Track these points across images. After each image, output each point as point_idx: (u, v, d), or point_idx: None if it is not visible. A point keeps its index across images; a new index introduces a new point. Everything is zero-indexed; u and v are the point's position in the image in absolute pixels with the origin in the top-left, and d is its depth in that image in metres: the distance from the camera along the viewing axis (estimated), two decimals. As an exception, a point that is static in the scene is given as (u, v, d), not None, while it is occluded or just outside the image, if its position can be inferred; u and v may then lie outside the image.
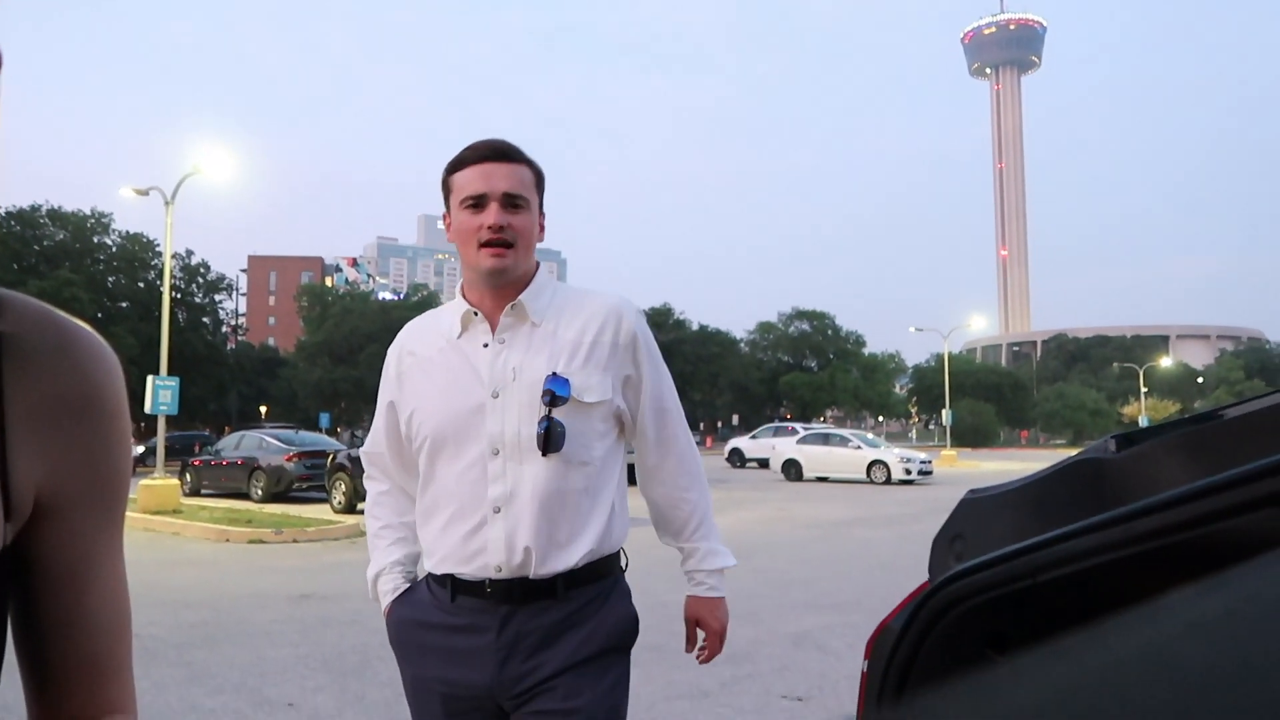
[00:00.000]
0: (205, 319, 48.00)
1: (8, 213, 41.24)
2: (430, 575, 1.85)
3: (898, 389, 76.73)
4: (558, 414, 1.74)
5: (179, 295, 44.27)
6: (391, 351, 1.97)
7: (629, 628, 1.83)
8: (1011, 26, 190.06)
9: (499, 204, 1.77)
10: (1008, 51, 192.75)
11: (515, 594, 1.75)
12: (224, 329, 51.76)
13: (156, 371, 17.20)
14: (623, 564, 1.87)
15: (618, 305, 1.89)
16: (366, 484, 2.04)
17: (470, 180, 1.79)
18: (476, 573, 1.76)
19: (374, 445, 2.01)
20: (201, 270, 48.09)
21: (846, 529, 13.17)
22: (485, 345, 1.82)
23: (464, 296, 1.89)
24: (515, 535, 1.74)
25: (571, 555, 1.76)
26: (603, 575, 1.80)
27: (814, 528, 13.42)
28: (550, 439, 1.74)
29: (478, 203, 1.78)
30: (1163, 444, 0.91)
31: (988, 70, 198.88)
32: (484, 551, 1.75)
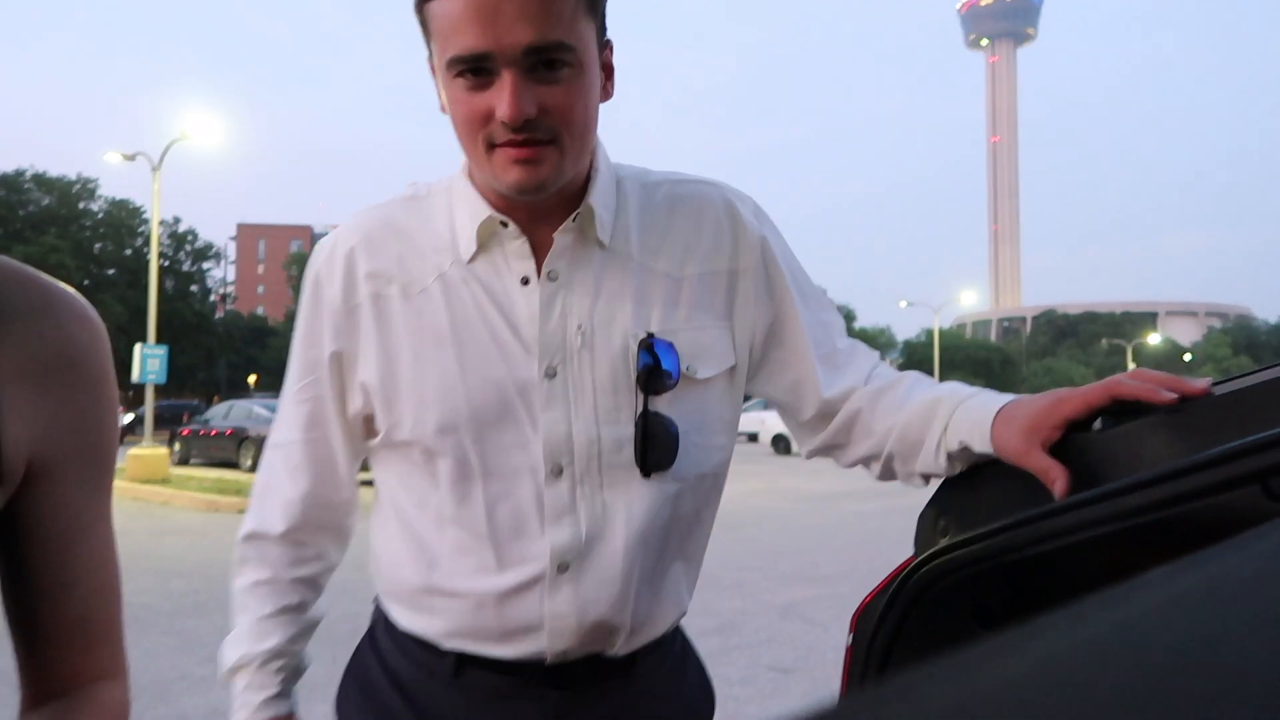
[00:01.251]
0: (193, 287, 47.79)
1: (-8, 177, 40.81)
2: (397, 629, 1.16)
3: (888, 363, 77.00)
4: (660, 404, 1.08)
5: (167, 263, 44.05)
6: (331, 271, 1.12)
7: (708, 705, 1.25)
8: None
9: (517, 71, 0.96)
10: (1004, 23, 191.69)
11: (581, 677, 1.11)
12: (212, 297, 51.53)
13: (144, 340, 17.15)
14: None
15: (726, 201, 1.17)
16: (240, 542, 1.20)
17: (457, 24, 0.96)
18: (517, 654, 1.09)
19: (281, 461, 1.18)
20: (189, 238, 47.79)
21: (835, 502, 13.26)
22: (525, 281, 1.08)
23: (476, 186, 1.11)
24: (594, 606, 1.08)
25: (670, 613, 1.15)
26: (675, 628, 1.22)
27: (803, 500, 13.51)
28: (654, 449, 1.08)
29: (477, 68, 0.97)
30: (1149, 421, 0.92)
31: (984, 42, 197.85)
32: (536, 631, 1.08)
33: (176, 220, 47.58)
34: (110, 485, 0.79)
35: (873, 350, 1.26)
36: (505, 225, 1.09)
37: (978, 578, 0.97)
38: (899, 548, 1.21)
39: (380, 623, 1.21)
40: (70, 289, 0.76)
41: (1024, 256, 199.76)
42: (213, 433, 19.75)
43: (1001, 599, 1.00)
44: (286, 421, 1.18)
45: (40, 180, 42.93)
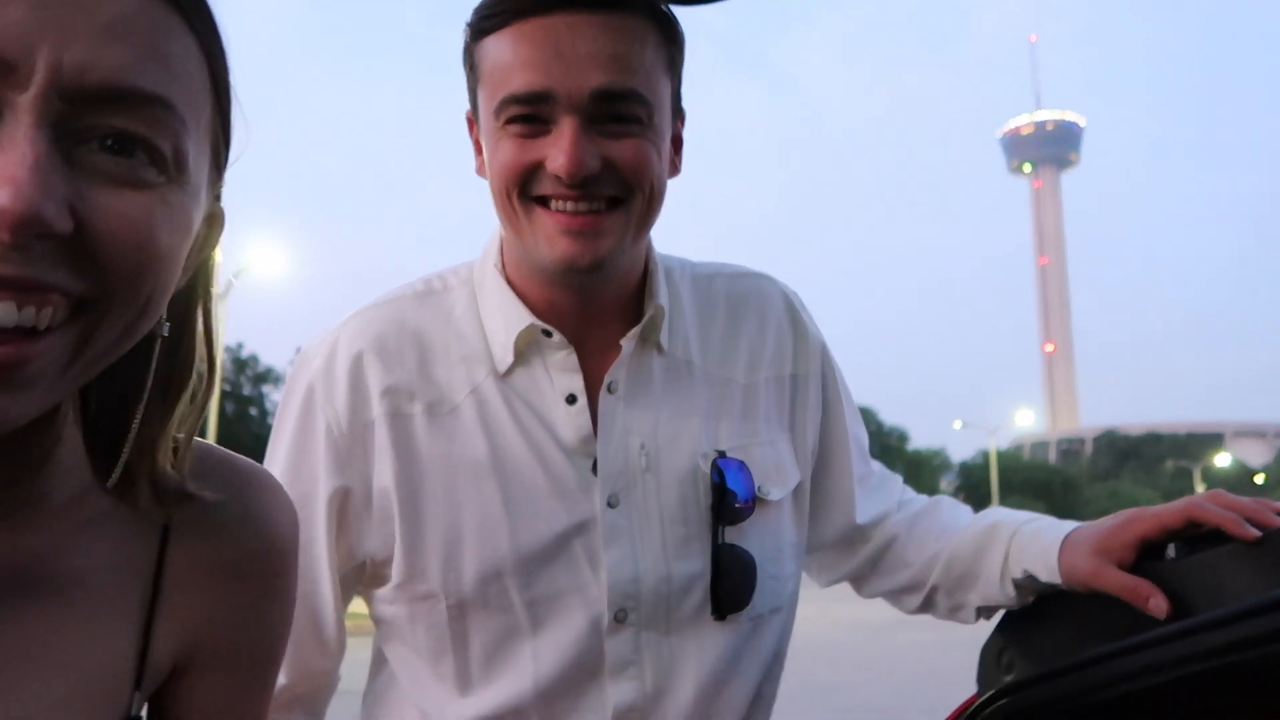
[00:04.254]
0: (253, 410, 48.84)
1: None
2: None
3: (944, 486, 75.34)
4: (732, 533, 0.95)
5: (228, 388, 45.25)
6: (328, 369, 0.94)
7: None
8: (1049, 126, 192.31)
9: (580, 117, 0.83)
10: (1046, 149, 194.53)
11: None
12: (270, 420, 52.59)
13: (202, 462, 17.49)
14: None
15: (786, 299, 1.07)
16: None
17: (517, 60, 0.83)
18: None
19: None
20: (251, 363, 49.22)
21: (890, 632, 12.75)
22: (571, 399, 0.94)
23: (510, 283, 0.96)
24: None
25: None
26: None
27: (856, 630, 13.02)
28: (730, 586, 0.94)
29: (531, 112, 0.84)
30: (1229, 550, 0.86)
31: (1026, 168, 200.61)
32: None
33: (239, 346, 49.20)
34: (272, 683, 0.72)
35: (895, 474, 1.20)
36: (550, 335, 0.94)
37: (1047, 721, 0.89)
38: (959, 683, 1.14)
39: None
40: (265, 471, 0.70)
41: (1080, 376, 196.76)
42: (263, 555, 19.79)
43: None
44: None
45: (113, 308, 44.87)
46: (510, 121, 0.85)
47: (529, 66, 0.83)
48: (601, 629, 0.92)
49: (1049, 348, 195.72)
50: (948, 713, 1.10)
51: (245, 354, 49.23)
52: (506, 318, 0.94)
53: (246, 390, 48.80)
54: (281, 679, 0.95)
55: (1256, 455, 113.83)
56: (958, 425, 50.00)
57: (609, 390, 0.95)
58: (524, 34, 0.83)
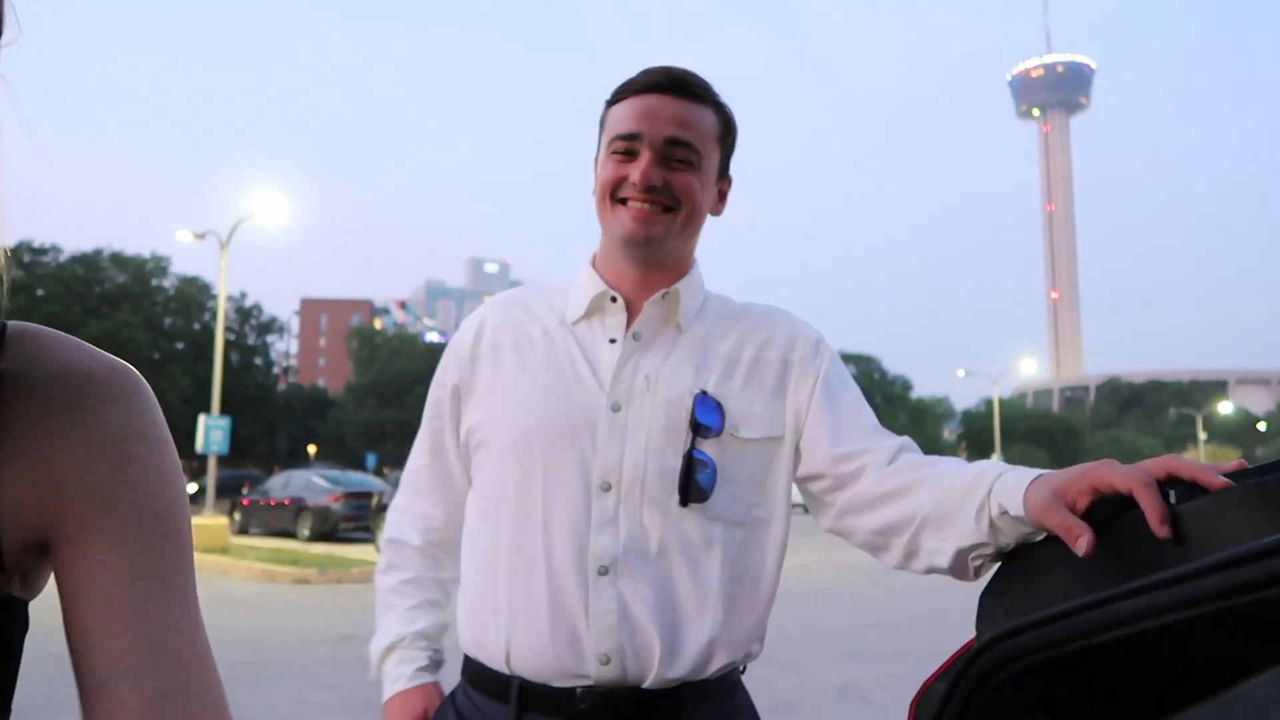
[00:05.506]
0: (257, 360, 48.99)
1: (72, 256, 42.65)
2: (470, 675, 1.32)
3: (946, 434, 75.60)
4: (707, 448, 1.27)
5: (232, 337, 45.28)
6: (468, 327, 1.43)
7: None
8: (1059, 69, 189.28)
9: (654, 153, 1.29)
10: (1056, 93, 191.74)
11: (623, 712, 1.22)
12: (275, 370, 52.73)
13: (208, 411, 17.56)
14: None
15: (790, 317, 1.43)
16: (385, 548, 1.48)
17: (625, 116, 1.32)
18: (563, 669, 1.23)
19: (412, 483, 1.47)
20: (255, 312, 49.20)
21: (892, 576, 12.91)
22: (612, 341, 1.34)
23: (596, 270, 1.40)
24: (631, 605, 1.23)
25: (708, 651, 1.25)
26: (733, 680, 1.32)
27: (859, 574, 13.17)
28: (694, 483, 1.26)
29: (629, 147, 1.31)
30: (1227, 496, 0.86)
31: (1035, 112, 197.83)
32: (578, 636, 1.22)
33: (243, 295, 49.08)
34: (173, 556, 0.68)
35: (905, 437, 1.33)
36: (615, 300, 1.36)
37: (1045, 665, 0.91)
38: (960, 626, 1.15)
39: (460, 688, 1.34)
40: (109, 365, 0.69)
41: (1085, 324, 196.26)
42: (271, 503, 20.02)
43: (1071, 689, 0.94)
44: (418, 448, 1.47)
45: (116, 259, 44.60)
46: (615, 151, 1.32)
47: (631, 119, 1.31)
48: (591, 492, 1.27)
49: (1054, 295, 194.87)
50: (949, 654, 1.12)
51: (249, 304, 49.20)
52: (587, 288, 1.38)
53: (251, 340, 48.84)
54: (443, 528, 1.44)
55: (1259, 403, 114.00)
56: (961, 373, 49.77)
57: (634, 338, 1.34)
58: (634, 103, 1.32)
